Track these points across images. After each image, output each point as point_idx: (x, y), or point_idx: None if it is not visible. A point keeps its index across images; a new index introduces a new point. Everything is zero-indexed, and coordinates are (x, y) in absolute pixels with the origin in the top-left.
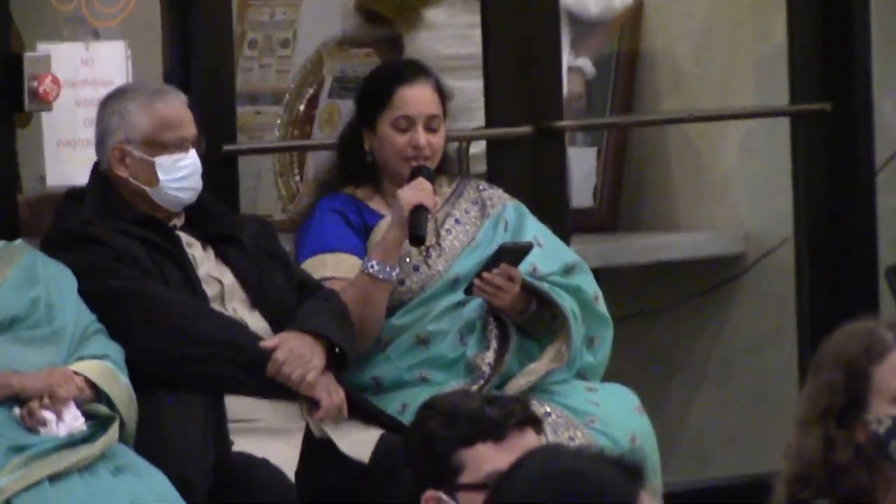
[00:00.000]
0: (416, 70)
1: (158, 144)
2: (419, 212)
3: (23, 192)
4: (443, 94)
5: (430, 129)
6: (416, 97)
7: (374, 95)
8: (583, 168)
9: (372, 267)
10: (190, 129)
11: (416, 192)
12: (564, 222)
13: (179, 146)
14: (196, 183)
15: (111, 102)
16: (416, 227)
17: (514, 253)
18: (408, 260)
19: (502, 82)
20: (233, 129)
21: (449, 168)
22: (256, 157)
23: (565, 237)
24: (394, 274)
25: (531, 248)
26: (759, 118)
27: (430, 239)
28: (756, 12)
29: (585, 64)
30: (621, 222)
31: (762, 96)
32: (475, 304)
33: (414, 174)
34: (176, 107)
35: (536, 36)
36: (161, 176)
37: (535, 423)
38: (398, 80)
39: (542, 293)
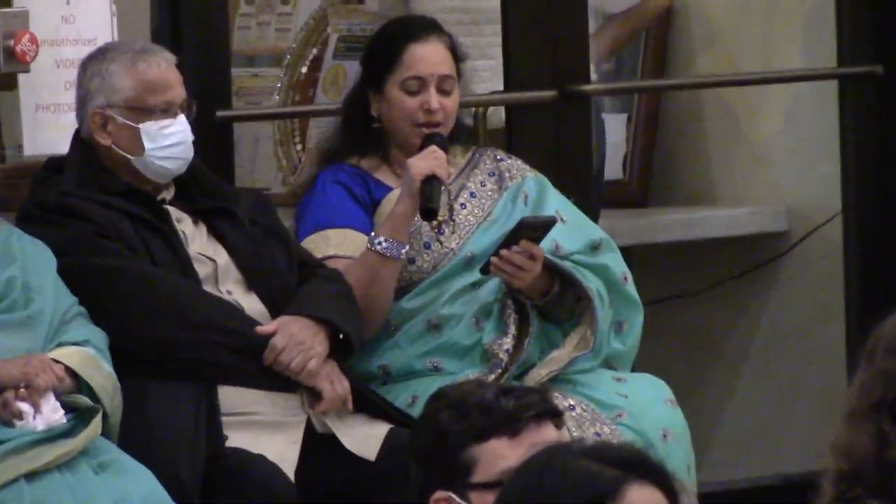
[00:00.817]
0: (428, 26)
1: (143, 109)
2: (431, 183)
3: (5, 161)
4: (457, 54)
5: (442, 91)
6: (428, 55)
7: (381, 54)
8: (611, 136)
9: (379, 244)
10: (178, 92)
11: (428, 161)
12: (590, 196)
13: (166, 111)
14: (185, 152)
15: (91, 63)
16: (427, 199)
17: (535, 228)
18: (419, 236)
19: (522, 40)
20: (227, 93)
21: (463, 136)
22: (253, 123)
23: (591, 212)
24: (403, 251)
25: (554, 223)
26: (804, 81)
27: (443, 213)
28: None
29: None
30: (653, 196)
31: (807, 57)
32: (492, 285)
33: (426, 142)
34: (162, 67)
35: None
36: (147, 144)
37: (555, 415)
38: (408, 36)
39: (566, 273)
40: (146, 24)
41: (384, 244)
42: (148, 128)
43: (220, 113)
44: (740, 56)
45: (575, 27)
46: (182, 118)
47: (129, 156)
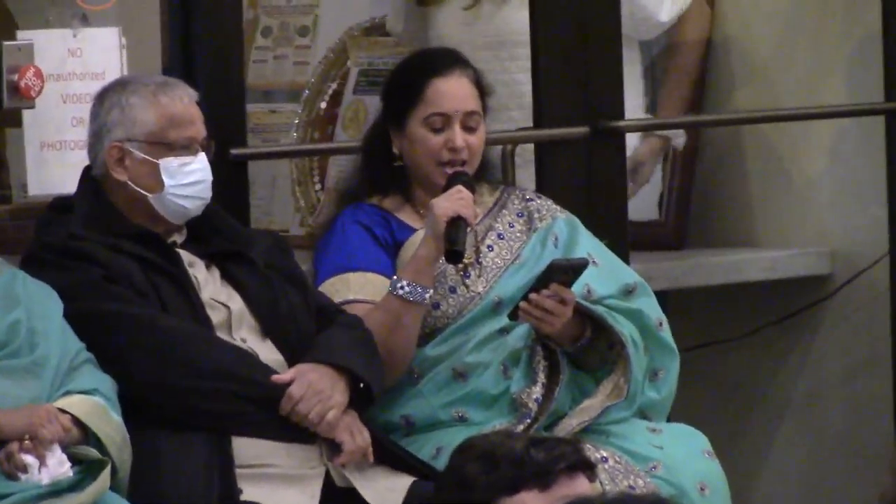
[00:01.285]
0: (453, 60)
1: (164, 144)
2: (457, 224)
3: (11, 201)
4: (482, 89)
5: (468, 128)
6: (452, 91)
7: (403, 89)
8: None
9: (402, 288)
10: (199, 129)
11: (453, 201)
12: (624, 237)
13: (187, 148)
14: (205, 192)
15: (110, 95)
16: (453, 241)
17: (566, 271)
18: (443, 280)
19: (553, 74)
20: (243, 130)
21: (491, 175)
22: (270, 162)
23: (625, 255)
24: (427, 296)
25: (586, 266)
26: (850, 117)
27: (470, 256)
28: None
29: None
30: (690, 238)
31: (853, 92)
32: (520, 331)
33: (451, 182)
34: (185, 102)
35: (593, 19)
36: (166, 180)
37: (588, 468)
38: (431, 71)
39: (598, 318)
40: (157, 57)
41: (407, 288)
42: (168, 164)
43: (234, 151)
44: (783, 91)
45: (608, 61)
46: (202, 156)
47: (146, 193)
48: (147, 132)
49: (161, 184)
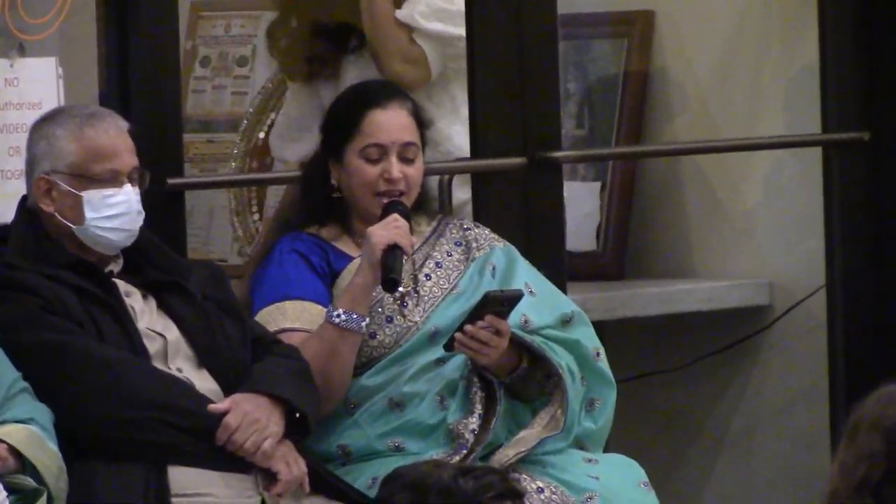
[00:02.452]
0: (390, 92)
1: (86, 177)
2: (393, 253)
3: None
4: (420, 121)
5: (405, 159)
6: (389, 122)
7: (340, 121)
8: (584, 205)
9: (338, 316)
10: (126, 161)
11: (389, 230)
12: (562, 267)
13: (112, 180)
14: (130, 224)
15: (41, 126)
16: (389, 269)
17: (501, 302)
18: (380, 309)
19: (489, 104)
20: (180, 159)
21: (428, 205)
22: (208, 192)
23: (563, 285)
24: (363, 324)
25: (521, 297)
26: (787, 148)
27: (407, 284)
28: (785, 27)
29: None
30: (628, 268)
31: (791, 124)
32: (457, 361)
33: (386, 210)
34: (110, 134)
35: (530, 48)
36: (88, 213)
37: (516, 497)
38: (367, 102)
39: (535, 349)
40: (95, 87)
41: (343, 316)
42: (91, 196)
43: (171, 181)
44: (721, 122)
45: (546, 90)
46: (128, 188)
47: (71, 224)
48: (70, 164)
49: (83, 216)
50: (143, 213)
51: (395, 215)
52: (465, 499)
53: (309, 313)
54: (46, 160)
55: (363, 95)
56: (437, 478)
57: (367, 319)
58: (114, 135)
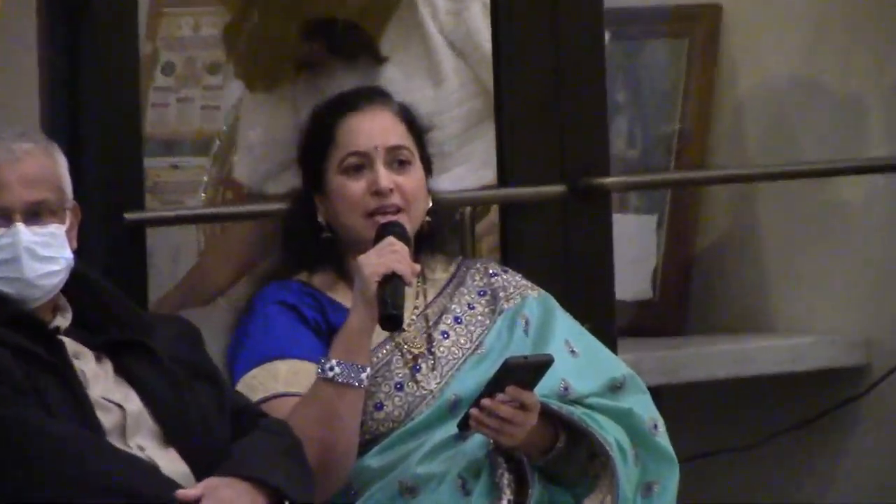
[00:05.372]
0: (368, 94)
1: None
2: (392, 283)
3: None
4: (412, 122)
5: (396, 165)
6: (368, 125)
7: (313, 140)
8: (636, 244)
9: (332, 369)
10: (19, 194)
11: (384, 256)
12: (611, 320)
13: (2, 218)
14: (20, 272)
15: None
16: (388, 304)
17: (525, 370)
18: (388, 374)
19: (522, 123)
20: (139, 189)
21: (444, 244)
22: (173, 229)
23: (612, 342)
24: (364, 376)
25: (551, 363)
26: (885, 173)
27: (421, 345)
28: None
29: None
30: (691, 321)
31: (891, 145)
32: (481, 437)
33: (380, 234)
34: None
35: (569, 49)
36: None
37: None
38: (341, 108)
39: (574, 423)
40: (35, 98)
41: (338, 369)
42: None
43: (129, 216)
44: (805, 144)
45: (589, 102)
46: (19, 227)
47: None
48: None
49: None
50: (70, 258)
51: (391, 238)
52: None
53: (305, 375)
54: None
55: (336, 104)
56: None
57: (368, 369)
58: (8, 160)
